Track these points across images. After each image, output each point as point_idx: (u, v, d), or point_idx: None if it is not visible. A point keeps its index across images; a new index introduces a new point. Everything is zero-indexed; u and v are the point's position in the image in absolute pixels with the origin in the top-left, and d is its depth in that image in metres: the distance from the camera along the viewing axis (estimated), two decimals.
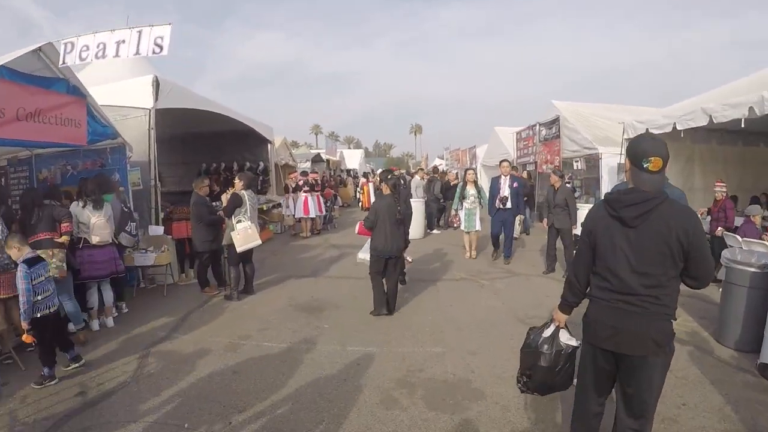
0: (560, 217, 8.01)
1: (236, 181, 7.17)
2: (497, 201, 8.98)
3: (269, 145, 14.50)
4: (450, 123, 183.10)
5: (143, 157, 8.25)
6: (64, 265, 5.38)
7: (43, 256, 5.20)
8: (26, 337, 4.42)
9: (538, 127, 14.37)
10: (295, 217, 13.01)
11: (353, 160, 32.97)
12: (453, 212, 10.37)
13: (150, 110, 8.20)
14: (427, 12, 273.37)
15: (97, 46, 5.53)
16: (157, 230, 7.83)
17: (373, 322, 6.07)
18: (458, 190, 9.77)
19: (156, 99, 8.21)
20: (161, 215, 8.34)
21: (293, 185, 13.19)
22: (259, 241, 7.05)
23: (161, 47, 5.28)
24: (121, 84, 8.59)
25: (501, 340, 5.36)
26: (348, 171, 29.09)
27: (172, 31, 5.26)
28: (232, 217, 6.86)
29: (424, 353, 5.04)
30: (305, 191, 12.86)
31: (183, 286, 8.00)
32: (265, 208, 12.91)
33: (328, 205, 14.85)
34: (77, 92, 6.53)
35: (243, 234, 6.83)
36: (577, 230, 8.03)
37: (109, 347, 5.44)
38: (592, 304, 2.67)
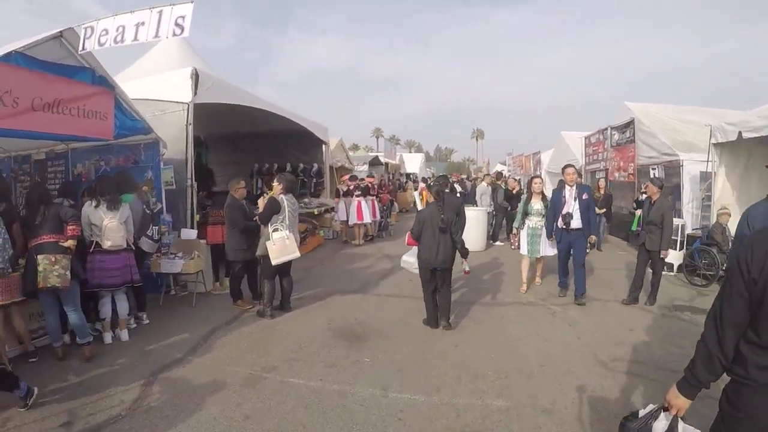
0: (653, 237, 6.56)
1: (275, 183, 6.30)
2: (559, 219, 6.83)
3: (324, 146, 13.73)
4: (512, 127, 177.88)
5: (180, 154, 7.56)
6: (68, 273, 4.68)
7: (45, 262, 4.51)
8: None
9: (609, 130, 12.88)
10: (349, 223, 12.07)
11: (413, 163, 31.91)
12: (514, 230, 8.33)
13: (188, 105, 7.50)
14: (488, 14, 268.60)
15: (117, 30, 4.86)
16: (189, 234, 7.11)
17: (424, 358, 4.98)
18: (522, 203, 7.69)
19: (195, 93, 7.50)
20: (197, 218, 7.60)
21: (344, 189, 12.28)
22: (298, 254, 6.13)
23: (182, 28, 4.50)
24: (160, 77, 8.00)
25: (581, 392, 4.15)
26: (408, 175, 28.03)
27: (194, 11, 4.46)
28: (269, 224, 6.00)
29: (484, 408, 3.91)
30: (358, 195, 11.93)
31: (216, 296, 7.24)
32: (316, 212, 12.11)
33: (384, 211, 13.88)
34: (104, 83, 5.96)
35: (279, 245, 5.94)
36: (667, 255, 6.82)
37: (115, 367, 4.74)
38: (748, 390, 1.72)
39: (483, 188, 12.62)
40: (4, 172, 8.97)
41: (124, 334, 5.48)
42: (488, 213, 12.27)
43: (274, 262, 5.92)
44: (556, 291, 7.33)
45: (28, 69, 4.99)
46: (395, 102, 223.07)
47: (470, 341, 5.45)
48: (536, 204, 7.40)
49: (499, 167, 32.93)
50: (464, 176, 24.27)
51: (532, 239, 7.42)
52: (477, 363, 4.82)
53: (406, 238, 6.52)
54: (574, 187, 6.84)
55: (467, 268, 5.98)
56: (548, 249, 7.36)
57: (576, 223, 6.71)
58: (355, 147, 33.44)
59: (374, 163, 21.53)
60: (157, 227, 5.95)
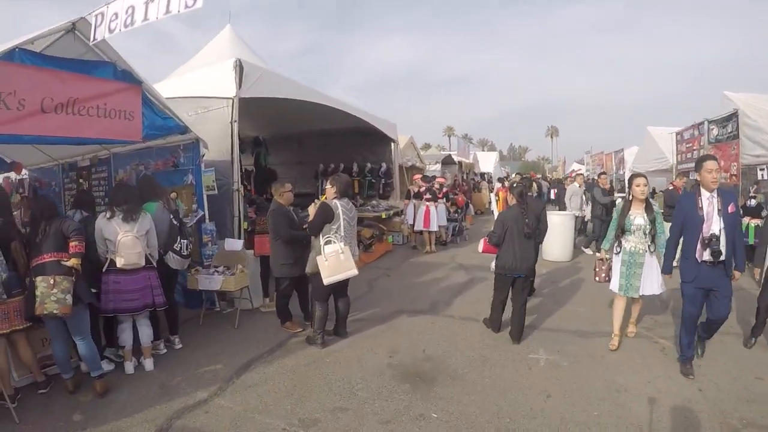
0: None
1: (327, 186, 5.24)
2: (696, 246, 4.22)
3: (393, 144, 12.60)
4: (589, 125, 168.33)
5: (226, 155, 6.69)
6: (68, 297, 3.85)
7: (42, 285, 3.70)
8: None
9: (707, 125, 10.77)
10: (415, 229, 10.85)
11: (487, 162, 29.99)
12: (600, 256, 5.25)
13: (232, 100, 6.60)
14: (559, 8, 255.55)
15: (126, 12, 4.01)
16: (234, 244, 6.19)
17: (509, 415, 3.70)
18: (616, 215, 5.02)
19: (239, 86, 6.59)
20: (245, 225, 6.70)
21: (415, 190, 11.05)
22: (355, 271, 5.00)
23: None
24: (201, 72, 7.20)
25: None
26: (482, 174, 26.33)
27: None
28: (320, 236, 4.94)
29: None
30: (428, 200, 10.67)
31: (264, 314, 6.27)
32: (384, 216, 10.98)
33: (459, 214, 12.53)
34: (129, 78, 5.13)
35: (333, 261, 4.86)
36: None
37: (127, 408, 3.91)
38: None
39: (574, 189, 10.90)
40: (54, 181, 8.65)
41: (149, 363, 4.63)
42: (577, 218, 10.61)
43: (326, 281, 4.85)
44: (664, 315, 5.72)
45: (35, 67, 4.28)
46: (467, 101, 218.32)
47: (565, 390, 4.10)
48: (637, 217, 4.79)
49: (575, 166, 30.83)
50: (538, 176, 22.23)
51: (630, 269, 4.85)
52: (575, 424, 3.51)
53: (481, 245, 5.63)
54: (715, 194, 4.22)
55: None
56: (654, 285, 4.86)
57: (723, 249, 4.15)
58: (427, 146, 32.05)
59: (447, 162, 20.09)
60: (186, 241, 5.02)
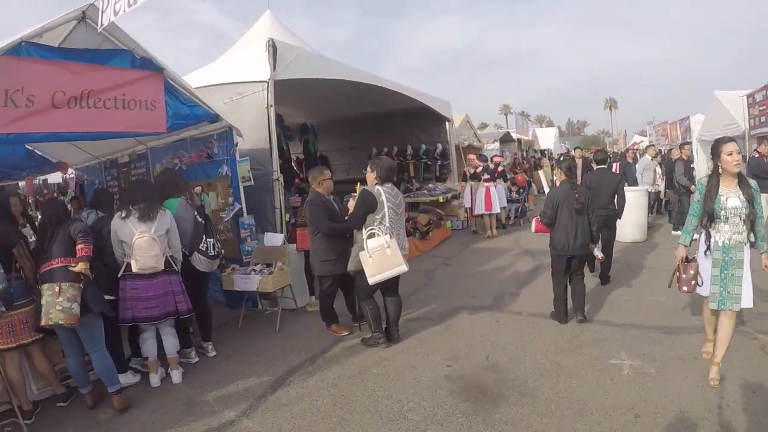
0: None
1: (367, 171, 4.56)
2: None
3: (447, 124, 11.68)
4: (650, 94, 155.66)
5: (263, 143, 6.13)
6: (75, 306, 3.41)
7: (47, 293, 3.29)
8: None
9: None
10: (474, 212, 9.95)
11: (547, 139, 28.11)
12: (680, 254, 3.74)
13: (267, 83, 6.01)
14: None
15: None
16: (274, 239, 5.65)
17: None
18: (699, 197, 3.60)
19: (273, 68, 5.98)
20: (286, 218, 6.12)
21: (471, 171, 10.12)
22: (404, 267, 4.23)
23: None
24: (235, 56, 6.67)
25: None
26: (542, 152, 24.70)
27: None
28: (363, 228, 4.27)
29: None
30: (486, 180, 9.73)
31: (310, 313, 5.67)
32: (441, 200, 10.15)
33: (521, 194, 11.49)
34: (149, 65, 4.63)
35: (378, 257, 4.16)
36: None
37: (146, 428, 3.52)
38: None
39: (646, 162, 9.62)
40: (97, 179, 8.46)
41: (176, 375, 4.16)
42: (650, 194, 9.36)
43: (371, 280, 4.17)
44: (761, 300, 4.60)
45: (44, 60, 3.88)
46: (522, 78, 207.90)
47: (656, 406, 3.24)
48: (731, 197, 3.42)
49: (637, 138, 28.85)
50: (585, 152, 20.62)
51: (727, 271, 3.45)
52: None
53: (534, 224, 5.38)
54: None
55: (600, 255, 5.25)
56: (749, 292, 3.45)
57: None
58: (484, 126, 30.55)
59: (505, 140, 18.79)
60: (213, 239, 4.46)
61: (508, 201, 11.09)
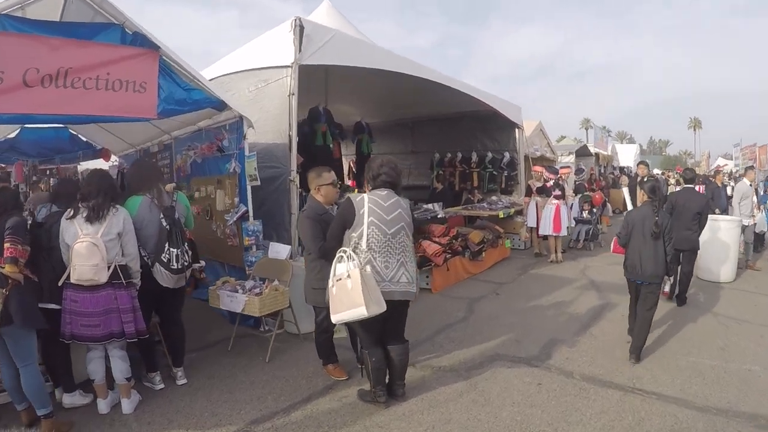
0: None
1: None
2: None
3: (517, 131, 10.24)
4: (736, 117, 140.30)
5: (283, 137, 5.22)
6: None
7: None
8: None
9: None
10: (540, 233, 8.48)
11: (627, 156, 25.47)
12: None
13: (291, 67, 5.06)
14: None
15: None
16: (279, 251, 4.69)
17: None
18: None
19: (299, 50, 5.01)
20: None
21: (537, 185, 8.62)
22: (362, 311, 2.94)
23: None
24: (262, 38, 5.77)
25: None
26: (621, 169, 22.10)
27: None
28: (338, 249, 3.20)
29: None
30: (557, 196, 8.24)
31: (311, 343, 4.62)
32: (502, 215, 8.71)
33: (593, 214, 9.78)
34: (142, 41, 3.93)
35: (339, 289, 3.05)
36: None
37: None
38: None
39: (744, 189, 7.51)
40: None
41: (126, 405, 3.35)
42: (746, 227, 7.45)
43: (333, 318, 3.11)
44: None
45: (19, 34, 3.36)
46: (604, 93, 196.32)
47: None
48: None
49: (720, 161, 26.27)
50: (657, 172, 18.20)
51: None
52: None
53: (612, 245, 4.92)
54: None
55: (666, 289, 5.14)
56: None
57: None
58: (562, 138, 28.07)
59: (582, 153, 16.67)
60: (177, 250, 3.54)
61: (578, 221, 9.49)
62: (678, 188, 7.06)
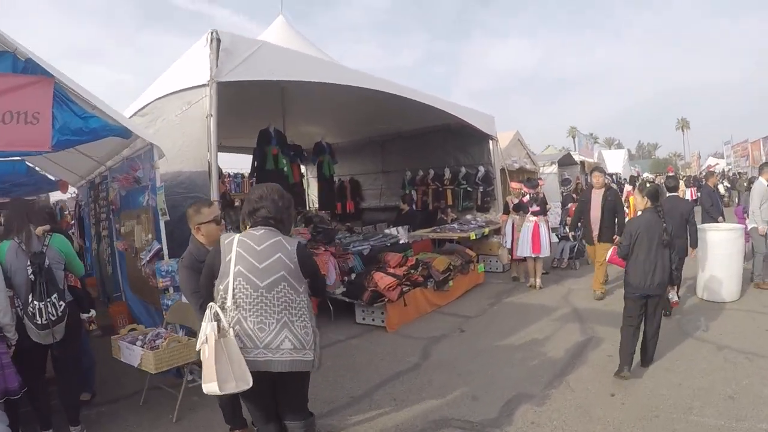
0: None
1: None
2: None
3: (491, 143, 9.52)
4: (723, 115, 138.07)
5: (204, 164, 4.48)
6: None
7: None
8: None
9: None
10: (516, 253, 7.64)
11: (615, 161, 24.75)
12: None
13: (208, 85, 4.35)
14: None
15: None
16: None
17: None
18: None
19: (216, 66, 4.32)
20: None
21: (515, 201, 7.86)
22: (213, 387, 2.22)
23: None
24: (185, 56, 5.07)
25: None
26: (611, 176, 21.27)
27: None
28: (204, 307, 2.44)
29: None
30: (534, 212, 7.48)
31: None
32: (474, 236, 7.91)
33: (578, 229, 8.97)
34: (34, 69, 3.49)
35: (202, 357, 2.32)
36: None
37: None
38: None
39: (762, 189, 6.51)
40: (83, 200, 7.38)
41: None
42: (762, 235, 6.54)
43: (204, 388, 2.29)
44: None
45: None
46: (588, 100, 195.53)
47: None
48: None
49: (711, 161, 26.10)
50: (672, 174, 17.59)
51: None
52: None
53: (609, 254, 4.59)
54: None
55: (675, 299, 4.62)
56: None
57: None
58: (548, 148, 27.13)
59: (565, 162, 15.85)
60: (42, 303, 2.80)
61: (560, 238, 8.73)
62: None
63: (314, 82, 5.47)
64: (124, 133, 3.98)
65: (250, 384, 2.27)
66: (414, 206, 10.37)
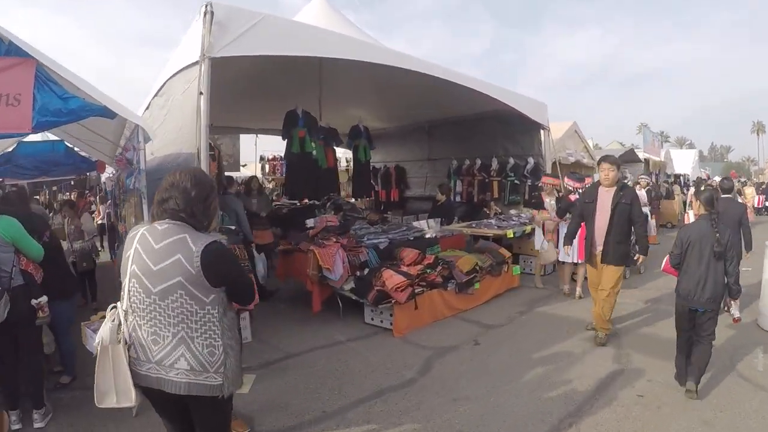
0: None
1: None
2: None
3: (542, 133, 8.56)
4: None
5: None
6: None
7: None
8: None
9: None
10: (559, 258, 6.49)
11: (684, 162, 21.98)
12: None
13: (200, 62, 3.91)
14: None
15: None
16: None
17: None
18: None
19: (208, 41, 3.88)
20: None
21: (554, 196, 6.88)
22: (112, 400, 1.92)
23: None
24: (191, 31, 4.64)
25: None
26: (676, 177, 19.11)
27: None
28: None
29: None
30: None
31: None
32: (511, 235, 6.98)
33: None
34: (17, 51, 3.33)
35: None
36: None
37: None
38: None
39: None
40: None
41: None
42: None
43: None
44: None
45: None
46: (662, 97, 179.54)
47: None
48: None
49: None
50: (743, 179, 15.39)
51: None
52: None
53: (663, 263, 3.94)
54: None
55: (737, 315, 4.60)
56: None
57: None
58: (620, 145, 24.16)
59: (628, 159, 14.11)
60: None
61: None
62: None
63: (352, 62, 5.04)
64: (107, 113, 3.67)
65: (133, 402, 1.92)
66: (455, 197, 9.63)
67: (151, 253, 1.89)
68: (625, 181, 11.08)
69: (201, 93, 3.96)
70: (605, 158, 4.81)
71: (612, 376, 3.95)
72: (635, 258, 4.72)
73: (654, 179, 14.97)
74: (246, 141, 13.62)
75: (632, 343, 4.66)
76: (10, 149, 7.14)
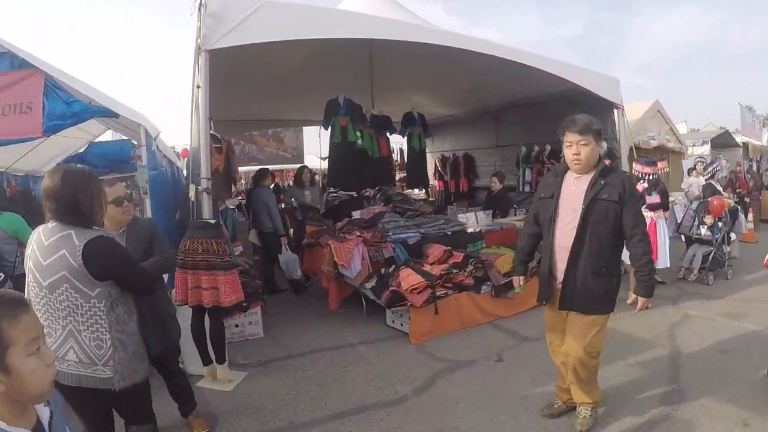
0: None
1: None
2: None
3: (615, 112, 7.34)
4: None
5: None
6: None
7: None
8: None
9: None
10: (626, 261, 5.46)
11: None
12: None
13: (197, 54, 3.75)
14: None
15: None
16: None
17: None
18: None
19: (201, 33, 3.69)
20: None
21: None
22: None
23: None
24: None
25: None
26: None
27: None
28: None
29: None
30: (651, 205, 5.44)
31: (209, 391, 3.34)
32: None
33: (716, 230, 6.34)
34: (28, 65, 3.64)
35: None
36: None
37: None
38: None
39: None
40: None
41: None
42: None
43: None
44: None
45: None
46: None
47: None
48: None
49: None
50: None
51: None
52: None
53: (766, 258, 3.58)
54: None
55: None
56: None
57: None
58: (723, 129, 19.74)
59: (722, 143, 11.82)
60: None
61: (692, 240, 6.41)
62: None
63: (403, 44, 4.79)
64: (109, 113, 3.84)
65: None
66: (524, 187, 8.76)
67: (42, 249, 1.95)
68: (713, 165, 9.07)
69: (198, 87, 3.77)
70: (573, 122, 2.67)
71: (652, 422, 2.99)
72: (629, 301, 2.89)
73: (755, 166, 12.45)
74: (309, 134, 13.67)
75: (694, 376, 3.61)
76: (82, 149, 7.78)
